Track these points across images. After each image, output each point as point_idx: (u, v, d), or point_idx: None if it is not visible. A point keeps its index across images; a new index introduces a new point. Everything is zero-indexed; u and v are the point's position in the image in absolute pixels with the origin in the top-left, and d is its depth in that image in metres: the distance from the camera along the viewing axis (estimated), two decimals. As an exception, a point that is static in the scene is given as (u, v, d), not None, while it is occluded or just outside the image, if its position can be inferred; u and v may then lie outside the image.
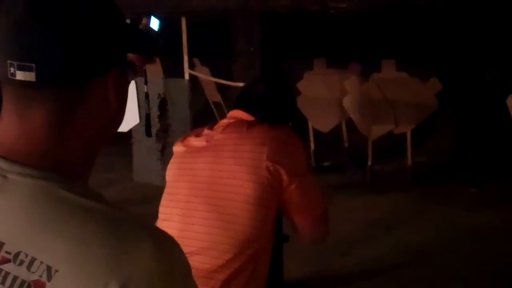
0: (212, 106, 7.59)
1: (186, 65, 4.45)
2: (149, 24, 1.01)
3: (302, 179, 1.91)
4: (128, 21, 0.95)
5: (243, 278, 1.86)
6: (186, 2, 3.50)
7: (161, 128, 4.74)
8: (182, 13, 4.17)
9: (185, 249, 0.89)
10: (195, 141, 2.01)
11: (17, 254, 0.77)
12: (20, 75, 0.79)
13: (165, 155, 4.75)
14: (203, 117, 6.78)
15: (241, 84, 2.91)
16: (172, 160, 2.07)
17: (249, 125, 1.95)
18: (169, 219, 1.95)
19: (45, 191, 0.80)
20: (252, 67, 3.31)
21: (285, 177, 1.86)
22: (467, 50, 6.35)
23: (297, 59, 6.48)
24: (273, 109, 2.07)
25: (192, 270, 0.87)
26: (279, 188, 1.87)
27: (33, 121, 0.82)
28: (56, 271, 0.75)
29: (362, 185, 6.26)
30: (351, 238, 4.69)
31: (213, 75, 6.33)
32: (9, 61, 0.79)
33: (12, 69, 0.79)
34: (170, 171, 2.04)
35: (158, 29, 1.02)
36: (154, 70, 6.26)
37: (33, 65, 0.79)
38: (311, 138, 6.92)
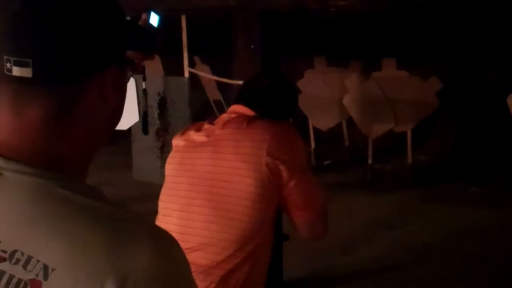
0: (213, 104, 7.58)
1: (186, 63, 4.44)
2: (149, 20, 0.99)
3: (302, 176, 1.91)
4: (128, 18, 0.94)
5: (242, 274, 1.86)
6: (187, 0, 3.50)
7: (160, 126, 4.73)
8: (182, 11, 4.16)
9: (185, 244, 0.88)
10: (195, 136, 2.00)
11: (13, 253, 0.76)
12: (16, 71, 0.78)
13: (164, 153, 4.72)
14: (203, 115, 6.76)
15: (241, 82, 2.90)
16: (171, 155, 2.06)
17: (250, 120, 1.94)
18: (169, 214, 1.95)
19: (41, 189, 0.79)
20: (252, 65, 3.31)
21: (285, 174, 1.85)
22: (468, 49, 6.35)
23: (297, 57, 6.47)
24: (275, 104, 2.07)
25: (191, 266, 0.86)
26: (279, 184, 1.86)
27: (29, 118, 0.81)
28: (53, 269, 0.74)
29: (362, 183, 6.26)
30: (351, 237, 4.69)
31: (214, 73, 6.32)
32: (5, 57, 0.78)
33: (8, 65, 0.78)
34: (170, 166, 2.03)
35: (157, 25, 1.01)
36: (154, 68, 6.25)
37: (30, 60, 0.78)
38: (312, 137, 6.92)
